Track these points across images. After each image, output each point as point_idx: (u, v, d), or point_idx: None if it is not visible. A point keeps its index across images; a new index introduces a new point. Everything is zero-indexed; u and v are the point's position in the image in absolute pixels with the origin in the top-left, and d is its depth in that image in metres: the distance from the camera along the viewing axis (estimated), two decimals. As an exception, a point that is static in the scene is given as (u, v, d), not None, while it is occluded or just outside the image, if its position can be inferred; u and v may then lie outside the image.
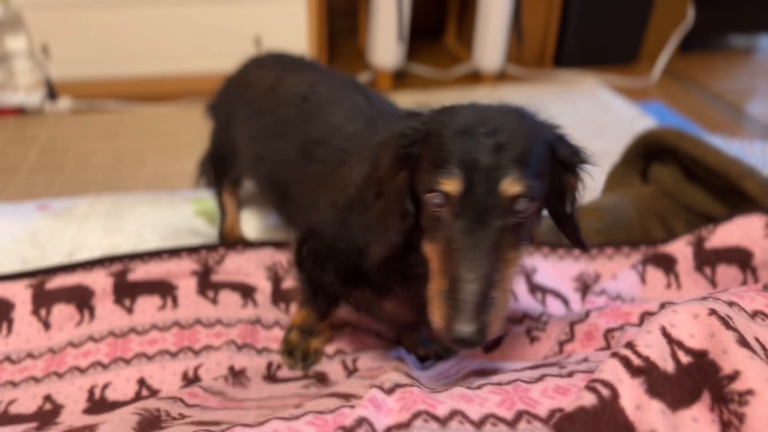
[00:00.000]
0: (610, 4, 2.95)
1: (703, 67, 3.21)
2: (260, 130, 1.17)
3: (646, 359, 0.58)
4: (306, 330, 1.02)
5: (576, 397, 0.56)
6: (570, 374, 0.68)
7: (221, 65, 2.66)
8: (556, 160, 0.80)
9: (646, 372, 0.57)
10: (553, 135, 0.81)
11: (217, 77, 2.65)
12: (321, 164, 0.99)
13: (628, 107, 2.65)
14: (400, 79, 2.90)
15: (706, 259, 1.16)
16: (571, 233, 0.86)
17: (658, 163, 1.54)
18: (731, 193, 1.32)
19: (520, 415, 0.61)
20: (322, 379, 0.96)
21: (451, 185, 0.71)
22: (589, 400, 0.54)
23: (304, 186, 1.02)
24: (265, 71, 1.26)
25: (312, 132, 1.05)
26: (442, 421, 0.59)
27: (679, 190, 1.43)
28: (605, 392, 0.54)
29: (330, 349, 1.05)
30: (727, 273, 1.14)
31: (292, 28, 2.65)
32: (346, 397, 0.75)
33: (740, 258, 1.12)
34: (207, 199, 1.47)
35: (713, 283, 1.16)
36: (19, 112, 2.49)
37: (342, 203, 0.89)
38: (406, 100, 2.69)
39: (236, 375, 0.93)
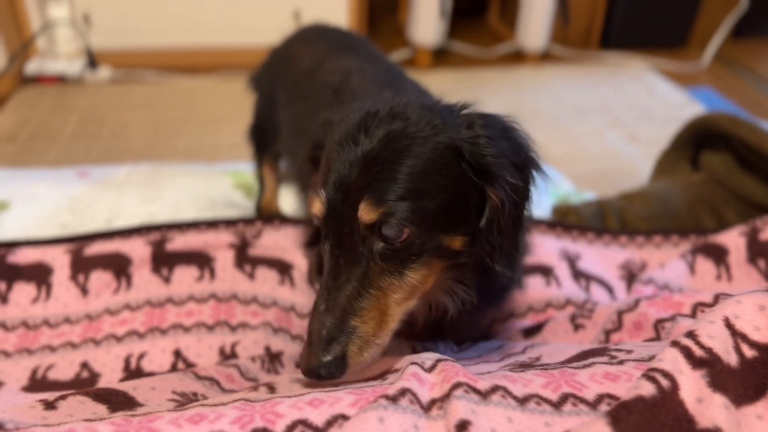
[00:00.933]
0: (661, -15, 2.85)
1: (756, 53, 3.08)
2: (295, 119, 1.14)
3: (708, 350, 0.54)
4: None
5: (632, 385, 0.53)
6: (621, 362, 0.65)
7: (259, 39, 2.65)
8: (469, 167, 0.69)
9: (708, 364, 0.53)
10: (464, 137, 0.69)
11: (255, 50, 2.64)
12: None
13: (676, 92, 2.56)
14: (440, 57, 2.85)
15: (760, 251, 1.10)
16: (488, 256, 0.71)
17: (709, 150, 1.48)
18: (790, 182, 1.26)
19: (565, 398, 0.58)
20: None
21: (317, 207, 0.67)
22: (647, 389, 0.51)
23: None
24: (308, 49, 1.22)
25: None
26: (483, 395, 0.57)
27: (731, 178, 1.37)
28: (665, 382, 0.51)
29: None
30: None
31: (332, 2, 2.61)
32: (381, 376, 0.72)
33: (798, 250, 1.07)
34: (245, 172, 1.46)
35: (767, 276, 1.10)
36: (60, 80, 2.50)
37: None
38: (445, 78, 2.63)
39: (272, 358, 0.92)
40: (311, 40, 1.24)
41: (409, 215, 0.64)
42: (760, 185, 1.32)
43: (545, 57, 2.88)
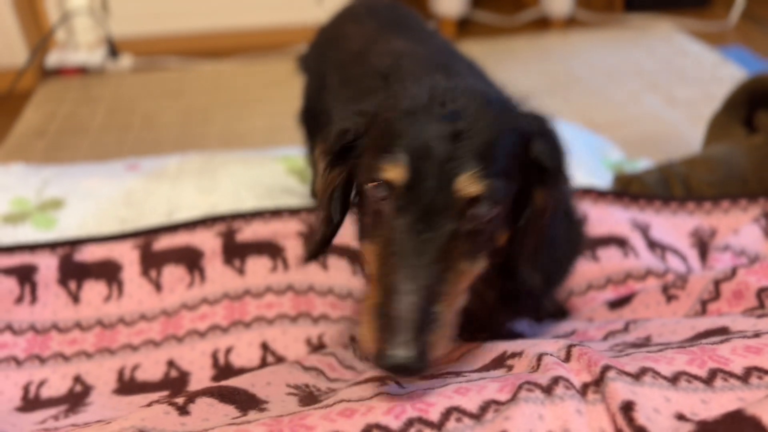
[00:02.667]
0: (687, -58, 2.77)
1: (782, 8, 3.01)
2: (346, 105, 1.06)
3: None
4: None
5: None
6: (757, 335, 0.62)
7: (281, 18, 2.60)
8: (529, 159, 0.66)
9: None
10: (530, 126, 0.67)
11: (277, 30, 2.59)
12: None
13: (707, 52, 2.50)
14: (465, 26, 2.79)
15: None
16: (515, 259, 0.68)
17: (765, 111, 1.44)
18: None
19: (714, 373, 0.56)
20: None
21: (395, 172, 0.59)
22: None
23: None
24: (358, 28, 1.15)
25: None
26: (635, 376, 0.55)
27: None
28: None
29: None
30: None
31: (352, -24, 2.55)
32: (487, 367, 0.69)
33: None
34: (295, 156, 1.43)
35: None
36: (82, 71, 2.46)
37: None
38: (472, 49, 2.58)
39: (358, 347, 0.90)
40: (361, 18, 1.18)
41: (503, 194, 0.61)
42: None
43: (571, 22, 2.82)
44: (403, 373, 0.55)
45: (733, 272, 0.86)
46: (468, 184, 0.58)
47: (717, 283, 0.86)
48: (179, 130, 2.08)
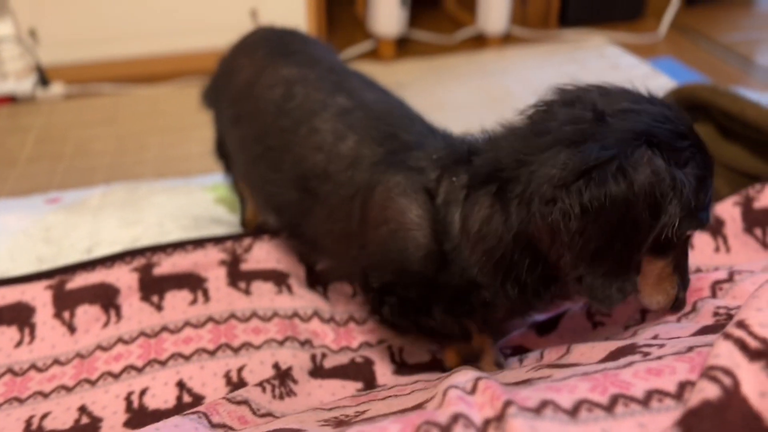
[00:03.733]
0: (615, -42, 2.86)
1: (709, 20, 3.12)
2: (243, 145, 1.02)
3: (763, 340, 0.52)
4: (469, 360, 0.89)
5: (696, 388, 0.50)
6: (659, 357, 0.62)
7: (218, 40, 2.56)
8: None
9: (765, 355, 0.51)
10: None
11: (214, 53, 2.56)
12: (336, 205, 0.86)
13: (639, 64, 2.57)
14: (403, 46, 2.81)
15: (756, 220, 1.11)
16: None
17: (689, 122, 1.48)
18: (775, 149, 1.26)
19: (615, 399, 0.56)
20: (370, 373, 0.91)
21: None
22: (712, 392, 0.48)
23: (327, 232, 0.90)
24: (247, 59, 1.07)
25: (302, 162, 0.89)
26: (536, 410, 0.54)
27: (717, 148, 1.37)
28: (727, 381, 0.49)
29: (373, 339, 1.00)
30: (780, 234, 1.09)
31: (288, -1, 2.55)
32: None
33: (792, 217, 1.07)
34: (224, 185, 1.40)
35: (764, 244, 1.10)
36: (10, 100, 2.39)
37: (449, 247, 0.76)
38: (411, 68, 2.60)
39: (283, 377, 0.87)
40: (251, 48, 1.09)
41: None
42: (745, 153, 1.33)
43: (507, 39, 2.86)
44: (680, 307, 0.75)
45: None
46: None
47: (643, 312, 0.87)
48: (112, 159, 2.02)
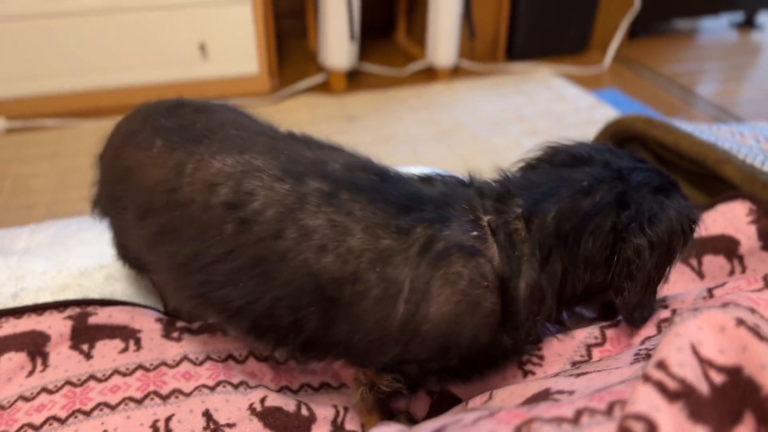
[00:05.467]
0: (559, -6, 2.95)
1: (652, 51, 3.24)
2: (184, 264, 0.79)
3: (681, 381, 0.52)
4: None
5: None
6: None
7: (166, 74, 2.54)
8: None
9: (684, 396, 0.51)
10: None
11: (162, 86, 2.53)
12: (368, 308, 0.73)
13: (584, 96, 2.64)
14: (354, 78, 2.83)
15: (701, 248, 1.13)
16: None
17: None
18: (709, 179, 1.29)
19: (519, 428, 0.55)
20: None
21: None
22: (630, 439, 0.48)
23: (358, 338, 0.75)
24: (142, 153, 0.84)
25: (309, 270, 0.73)
26: None
27: (653, 179, 1.40)
28: (639, 428, 0.48)
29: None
30: (713, 263, 1.11)
31: (238, 32, 2.54)
32: None
33: (727, 247, 1.09)
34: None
35: (700, 274, 1.13)
36: (-52, 136, 2.31)
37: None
38: (362, 100, 2.61)
39: (215, 428, 0.83)
40: (142, 139, 0.86)
41: None
42: (682, 184, 1.35)
43: (456, 72, 2.91)
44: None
45: (603, 336, 0.87)
46: None
47: (589, 347, 0.87)
48: (53, 195, 1.96)
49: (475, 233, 0.72)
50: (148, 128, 0.86)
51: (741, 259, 1.10)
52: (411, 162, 2.03)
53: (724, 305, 0.62)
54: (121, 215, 0.89)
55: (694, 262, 1.13)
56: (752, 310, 0.63)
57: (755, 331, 0.56)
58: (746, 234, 1.08)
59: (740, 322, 0.57)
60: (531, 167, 0.87)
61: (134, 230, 0.85)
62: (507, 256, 0.72)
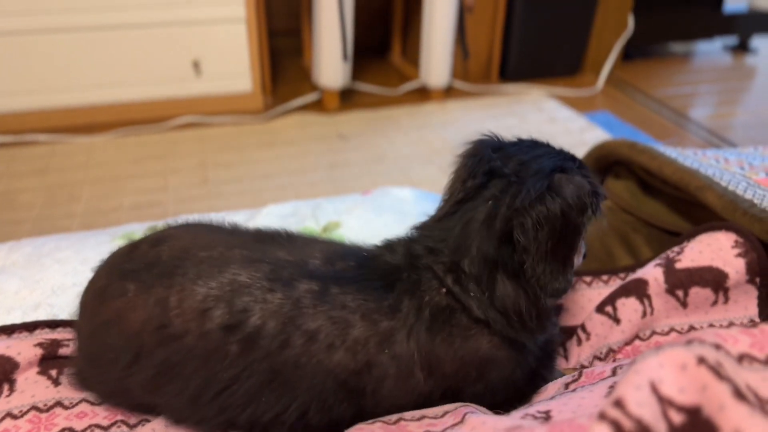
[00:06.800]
0: (552, 18, 2.96)
1: (646, 74, 3.26)
2: (193, 398, 0.77)
3: (638, 422, 0.51)
4: None
5: None
6: None
7: (160, 91, 2.55)
8: None
9: (639, 436, 0.50)
10: None
11: (155, 103, 2.54)
12: (392, 386, 0.77)
13: (575, 118, 2.65)
14: (348, 98, 2.83)
15: (679, 281, 1.10)
16: None
17: (612, 177, 1.51)
18: (691, 205, 1.29)
19: None
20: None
21: None
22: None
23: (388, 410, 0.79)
24: (123, 300, 0.79)
25: (326, 371, 0.74)
26: None
27: (637, 204, 1.40)
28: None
29: None
30: (699, 294, 1.09)
31: (232, 50, 2.55)
32: None
33: (715, 279, 1.07)
34: (136, 232, 1.34)
35: (684, 304, 1.11)
36: (-61, 150, 2.31)
37: None
38: (354, 119, 2.62)
39: None
40: (114, 291, 0.81)
41: None
42: (665, 210, 1.35)
43: (449, 92, 2.92)
44: None
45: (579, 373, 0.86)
46: None
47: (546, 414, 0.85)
48: (40, 210, 1.96)
49: (443, 290, 0.78)
50: (114, 278, 0.82)
51: (726, 291, 1.08)
52: (401, 182, 2.03)
53: (689, 342, 0.61)
54: (108, 372, 0.83)
55: (680, 292, 1.11)
56: (717, 347, 0.62)
57: (716, 371, 0.55)
58: (734, 267, 1.07)
59: (701, 360, 0.56)
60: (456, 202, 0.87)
61: (129, 379, 0.80)
62: (468, 298, 0.77)
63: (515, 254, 0.77)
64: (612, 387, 0.76)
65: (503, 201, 0.78)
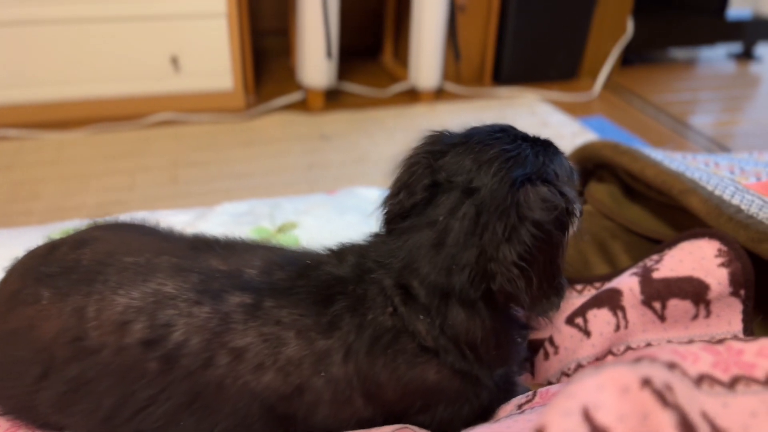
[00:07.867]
0: (547, 20, 2.87)
1: (645, 80, 3.15)
2: (129, 423, 0.69)
3: (558, 459, 0.41)
4: None
5: None
6: None
7: (135, 88, 2.46)
8: None
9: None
10: None
11: (130, 100, 2.45)
12: (328, 413, 0.69)
13: (569, 122, 2.54)
14: (333, 98, 2.74)
15: (656, 292, 1.00)
16: None
17: (594, 181, 1.41)
18: (675, 210, 1.19)
19: None
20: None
21: None
22: None
23: None
24: (36, 308, 0.71)
25: (253, 394, 0.67)
26: None
27: (618, 209, 1.29)
28: None
29: None
30: (678, 307, 0.99)
31: (212, 46, 2.46)
32: None
33: (695, 291, 0.97)
34: (76, 228, 1.25)
35: (662, 317, 1.00)
36: None
37: None
38: (339, 119, 2.52)
39: None
40: (27, 296, 0.73)
41: None
42: (647, 215, 1.25)
43: (439, 95, 2.83)
44: None
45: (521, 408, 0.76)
46: None
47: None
48: (-1, 208, 1.87)
49: (389, 309, 0.70)
50: (29, 282, 0.74)
51: (708, 304, 0.98)
52: (380, 183, 1.93)
53: (637, 360, 0.51)
54: (13, 386, 0.73)
55: (657, 305, 1.01)
56: (672, 366, 0.51)
57: (661, 395, 0.45)
58: (717, 278, 0.97)
59: (646, 382, 0.46)
60: (398, 216, 0.78)
61: (36, 395, 0.71)
62: (417, 321, 0.70)
63: (474, 286, 0.69)
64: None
65: (456, 230, 0.69)
